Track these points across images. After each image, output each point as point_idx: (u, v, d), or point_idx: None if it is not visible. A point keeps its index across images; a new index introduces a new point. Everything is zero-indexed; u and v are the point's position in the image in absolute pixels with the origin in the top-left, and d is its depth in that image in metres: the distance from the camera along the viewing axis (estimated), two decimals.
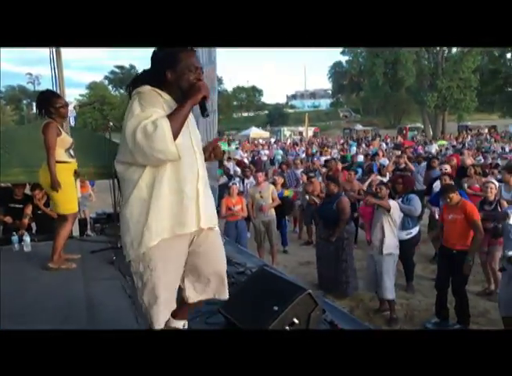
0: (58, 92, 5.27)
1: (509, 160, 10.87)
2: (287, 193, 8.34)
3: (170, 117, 1.84)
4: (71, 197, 3.96)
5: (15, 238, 4.66)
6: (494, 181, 5.76)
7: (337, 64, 55.05)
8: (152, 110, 1.85)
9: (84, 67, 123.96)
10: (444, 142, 25.88)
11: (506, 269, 4.21)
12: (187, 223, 1.96)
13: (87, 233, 6.32)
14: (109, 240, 4.77)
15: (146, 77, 2.02)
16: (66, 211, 3.93)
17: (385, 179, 9.54)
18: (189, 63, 1.97)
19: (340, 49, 39.59)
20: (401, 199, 5.90)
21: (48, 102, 3.85)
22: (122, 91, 59.36)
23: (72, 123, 26.93)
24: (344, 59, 45.72)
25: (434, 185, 7.33)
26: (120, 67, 62.34)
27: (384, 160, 10.40)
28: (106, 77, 61.99)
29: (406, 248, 5.73)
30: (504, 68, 33.75)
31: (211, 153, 2.22)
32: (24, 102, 59.16)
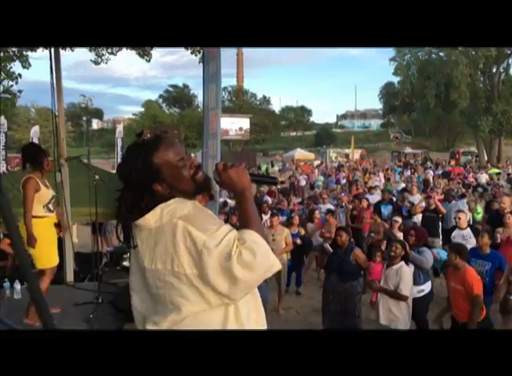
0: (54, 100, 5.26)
1: None
2: (304, 232, 8.03)
3: (252, 225, 1.41)
4: (48, 251, 3.98)
5: (6, 284, 4.72)
6: None
7: (389, 85, 53.87)
8: (216, 228, 1.38)
9: (143, 86, 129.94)
10: (497, 170, 24.30)
11: None
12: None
13: (102, 269, 6.22)
14: (97, 290, 4.68)
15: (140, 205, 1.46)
16: (42, 265, 3.96)
17: (415, 219, 9.02)
18: (172, 161, 1.46)
19: (392, 70, 38.61)
20: (412, 251, 5.53)
21: (31, 156, 3.95)
22: (175, 109, 61.28)
23: (119, 143, 27.80)
24: (395, 79, 44.67)
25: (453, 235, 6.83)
26: (174, 86, 64.38)
27: (415, 198, 9.77)
28: (160, 96, 64.20)
29: (418, 308, 5.26)
30: None
31: None
32: (84, 118, 62.33)
